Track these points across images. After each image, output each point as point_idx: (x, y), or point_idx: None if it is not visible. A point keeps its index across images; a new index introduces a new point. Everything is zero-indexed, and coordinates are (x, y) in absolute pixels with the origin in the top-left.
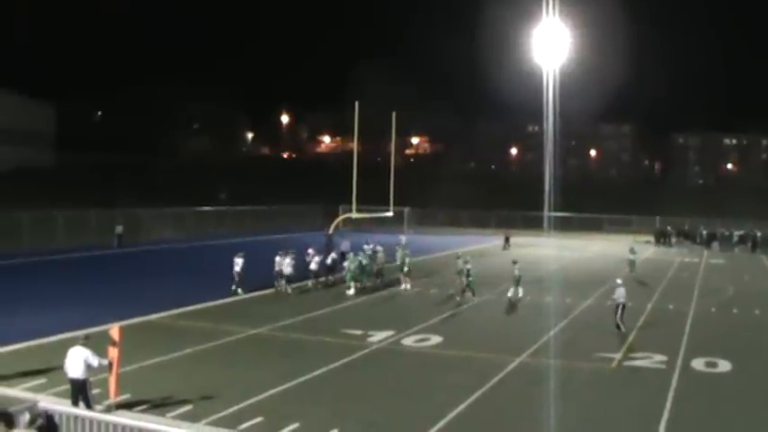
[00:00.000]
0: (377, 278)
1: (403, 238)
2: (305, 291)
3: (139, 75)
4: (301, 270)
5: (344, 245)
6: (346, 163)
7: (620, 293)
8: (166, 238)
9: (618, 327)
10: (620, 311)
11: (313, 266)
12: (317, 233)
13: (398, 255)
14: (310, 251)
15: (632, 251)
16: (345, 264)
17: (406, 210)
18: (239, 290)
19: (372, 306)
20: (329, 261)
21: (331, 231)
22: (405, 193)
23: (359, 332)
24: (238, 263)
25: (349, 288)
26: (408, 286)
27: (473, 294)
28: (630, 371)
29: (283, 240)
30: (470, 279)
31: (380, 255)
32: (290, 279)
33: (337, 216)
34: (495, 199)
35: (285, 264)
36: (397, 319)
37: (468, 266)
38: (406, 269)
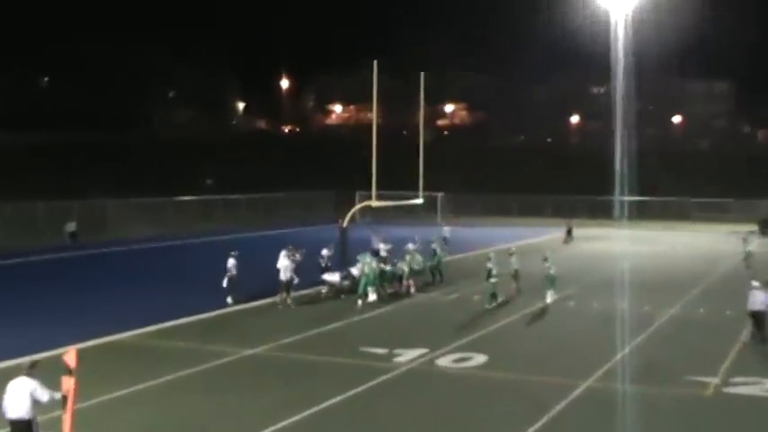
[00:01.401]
0: (405, 286)
1: (447, 229)
2: (312, 301)
3: (99, 29)
4: (310, 273)
5: (379, 242)
6: (363, 138)
7: (760, 299)
8: (138, 235)
9: (764, 340)
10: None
11: (328, 277)
12: (327, 227)
13: (408, 257)
14: (325, 253)
15: (746, 240)
16: (356, 268)
17: (440, 196)
18: (230, 299)
19: (398, 318)
20: (342, 274)
21: (345, 224)
22: (438, 176)
23: (382, 351)
24: (231, 265)
25: (362, 297)
26: (412, 290)
27: (515, 293)
28: (732, 399)
29: (286, 237)
30: (522, 277)
31: (416, 255)
32: (289, 285)
33: (353, 205)
34: (551, 181)
35: (284, 267)
36: (429, 334)
37: (517, 266)
38: (412, 268)
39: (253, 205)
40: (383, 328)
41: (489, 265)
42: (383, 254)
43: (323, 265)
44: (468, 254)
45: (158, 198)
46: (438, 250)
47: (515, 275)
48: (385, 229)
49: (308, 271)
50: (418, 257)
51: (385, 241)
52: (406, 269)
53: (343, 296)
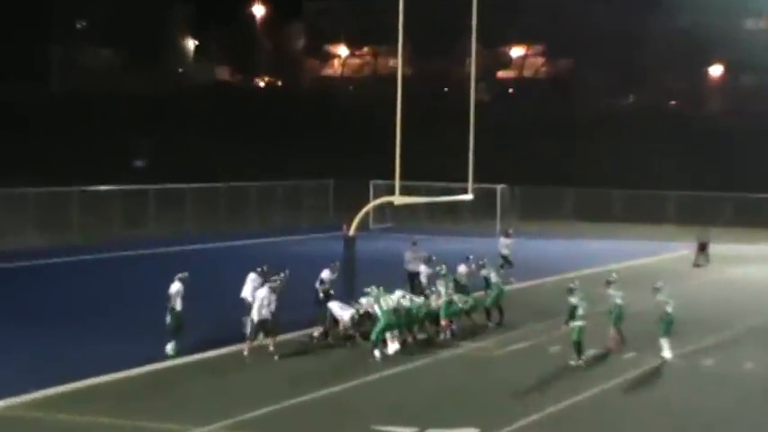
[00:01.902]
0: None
1: (506, 243)
2: (299, 351)
3: None
4: (297, 307)
5: (418, 265)
6: (381, 98)
7: None
8: (24, 245)
9: None
10: None
11: (338, 312)
12: (324, 235)
13: (443, 286)
14: (326, 276)
15: None
16: (365, 299)
17: (500, 189)
18: (170, 346)
19: (432, 379)
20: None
21: (352, 231)
22: (498, 157)
23: (409, 431)
24: (174, 293)
25: (377, 346)
26: (443, 336)
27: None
28: None
29: (260, 251)
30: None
31: (461, 280)
32: (265, 326)
33: (365, 201)
34: (676, 167)
35: (259, 299)
36: (480, 406)
37: (620, 301)
38: (451, 302)
39: (207, 200)
40: (410, 396)
41: (573, 299)
42: (423, 280)
43: (321, 294)
44: (542, 281)
45: (57, 188)
46: (493, 277)
47: (616, 316)
48: (400, 238)
49: (295, 305)
50: (462, 283)
51: (429, 261)
52: (440, 304)
53: (349, 343)
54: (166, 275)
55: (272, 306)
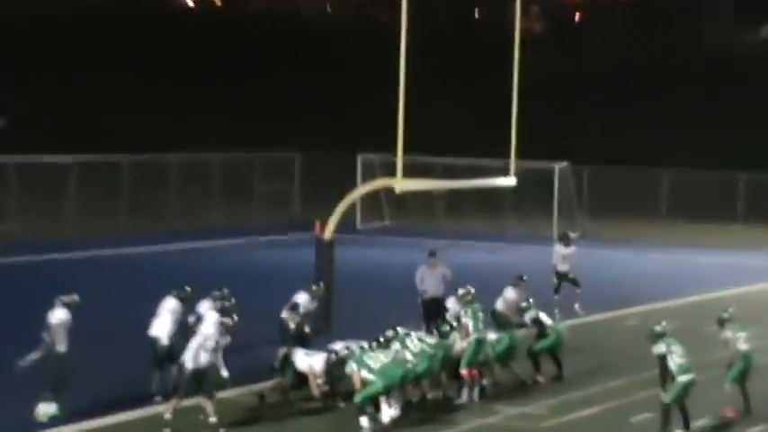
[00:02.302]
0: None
1: (564, 254)
2: (250, 417)
3: None
4: (249, 350)
5: (439, 287)
6: (376, 26)
7: None
8: None
9: None
10: None
11: (305, 362)
12: (290, 238)
13: (466, 320)
14: (302, 301)
15: None
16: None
17: (560, 169)
18: (46, 408)
19: None
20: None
21: (329, 233)
22: (557, 125)
23: None
24: (57, 324)
25: (367, 412)
26: (467, 396)
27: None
28: None
29: (185, 258)
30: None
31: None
32: (203, 379)
33: (352, 185)
34: None
35: (201, 338)
36: None
37: (745, 347)
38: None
39: (101, 180)
40: None
41: (661, 347)
42: (450, 317)
43: (291, 327)
44: (620, 313)
45: None
46: (543, 317)
47: (739, 370)
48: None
49: (236, 345)
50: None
51: (463, 298)
52: (465, 345)
53: (324, 404)
54: (41, 303)
55: (218, 352)
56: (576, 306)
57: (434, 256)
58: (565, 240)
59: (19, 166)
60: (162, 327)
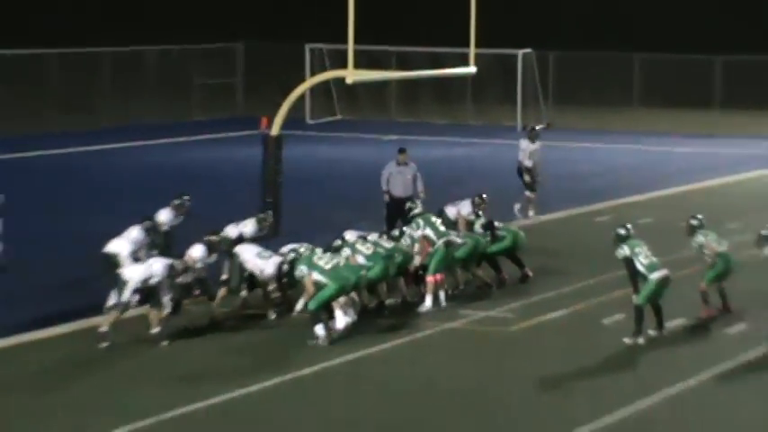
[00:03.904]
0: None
1: (529, 150)
2: (197, 329)
3: None
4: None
5: (408, 187)
6: None
7: None
8: None
9: None
10: None
11: (255, 263)
12: (233, 135)
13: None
14: (248, 232)
15: None
16: (302, 246)
17: (523, 55)
18: None
19: (409, 372)
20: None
21: (276, 129)
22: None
23: None
24: None
25: (320, 319)
26: (429, 303)
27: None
28: None
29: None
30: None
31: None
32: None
33: (300, 77)
34: None
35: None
36: (489, 414)
37: (723, 248)
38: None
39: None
40: (372, 401)
41: (624, 251)
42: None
43: (220, 237)
44: (591, 208)
45: None
46: (494, 223)
47: (717, 272)
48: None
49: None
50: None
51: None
52: (416, 248)
53: (273, 315)
54: None
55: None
56: (517, 207)
57: (404, 153)
58: (528, 134)
59: None
60: (120, 246)
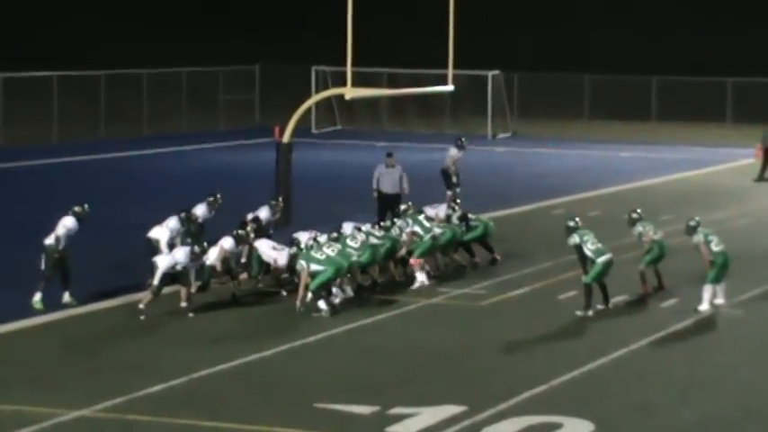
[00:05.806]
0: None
1: (459, 151)
2: (220, 305)
3: None
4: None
5: (396, 184)
6: None
7: None
8: None
9: None
10: None
11: (270, 254)
12: (251, 143)
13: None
14: (263, 216)
15: None
16: (305, 234)
17: (493, 77)
18: (39, 297)
19: (396, 338)
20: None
21: (287, 137)
22: (492, 32)
23: (363, 410)
24: (63, 233)
25: (322, 296)
26: (423, 279)
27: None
28: None
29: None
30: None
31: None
32: (184, 277)
33: (307, 94)
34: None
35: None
36: (463, 375)
37: (658, 236)
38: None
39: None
40: (368, 362)
41: (575, 239)
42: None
43: (251, 235)
44: (550, 203)
45: None
46: (468, 216)
47: (653, 256)
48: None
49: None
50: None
51: (405, 213)
52: (414, 236)
53: (285, 292)
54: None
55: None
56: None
57: (392, 157)
58: (459, 143)
59: (7, 81)
60: (161, 233)
